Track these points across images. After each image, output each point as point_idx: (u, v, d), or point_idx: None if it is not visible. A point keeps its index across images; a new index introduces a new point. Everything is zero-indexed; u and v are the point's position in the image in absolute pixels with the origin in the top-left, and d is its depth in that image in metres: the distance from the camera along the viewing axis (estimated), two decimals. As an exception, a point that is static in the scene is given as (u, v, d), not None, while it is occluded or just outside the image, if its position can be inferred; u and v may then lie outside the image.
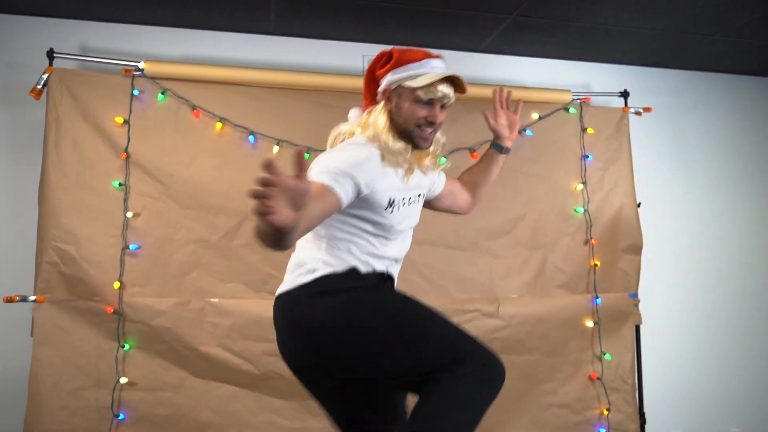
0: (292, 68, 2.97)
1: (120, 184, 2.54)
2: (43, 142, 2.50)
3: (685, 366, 3.38)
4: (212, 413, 2.56)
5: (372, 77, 1.65)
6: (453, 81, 1.58)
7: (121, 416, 2.45)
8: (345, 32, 3.04)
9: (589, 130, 3.10)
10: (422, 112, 1.56)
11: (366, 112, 1.67)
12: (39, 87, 2.50)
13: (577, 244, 3.04)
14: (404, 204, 1.62)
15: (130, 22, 2.87)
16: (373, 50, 3.10)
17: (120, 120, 2.57)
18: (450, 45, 3.20)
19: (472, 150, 2.94)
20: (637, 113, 3.21)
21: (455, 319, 2.71)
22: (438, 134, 1.67)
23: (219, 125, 2.66)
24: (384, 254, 1.61)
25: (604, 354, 2.97)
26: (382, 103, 1.61)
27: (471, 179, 1.96)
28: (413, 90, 1.55)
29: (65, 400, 2.41)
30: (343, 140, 1.69)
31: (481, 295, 2.88)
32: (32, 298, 2.43)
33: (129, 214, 2.54)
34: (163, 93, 2.63)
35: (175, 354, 2.54)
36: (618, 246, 3.07)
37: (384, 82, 1.59)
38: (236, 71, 2.74)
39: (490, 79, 3.24)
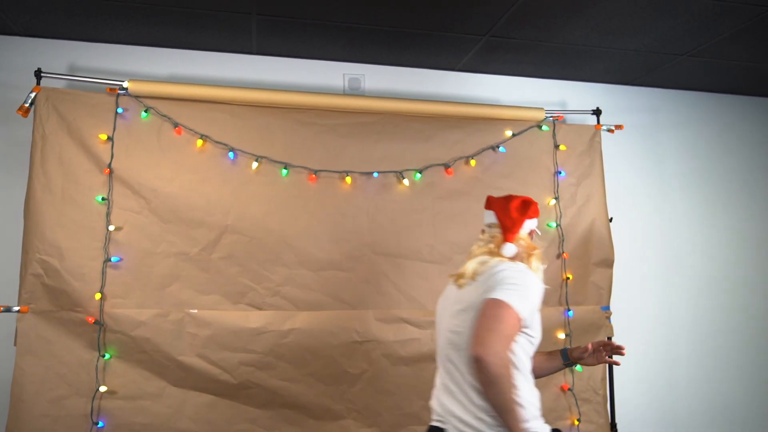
0: (273, 87, 3.07)
1: (103, 199, 2.63)
2: (30, 158, 2.59)
3: (655, 378, 3.45)
4: (190, 422, 2.63)
5: (518, 217, 1.98)
6: None
7: (101, 424, 2.52)
8: (325, 52, 3.14)
9: (562, 147, 3.19)
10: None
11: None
12: (26, 105, 2.59)
13: (550, 258, 3.11)
14: None
15: (115, 42, 2.97)
16: (354, 69, 3.23)
17: (104, 137, 2.66)
18: (428, 64, 3.31)
19: (446, 166, 3.03)
20: (610, 130, 3.30)
21: (429, 331, 2.82)
22: None
23: (200, 142, 2.75)
24: None
25: (576, 365, 3.03)
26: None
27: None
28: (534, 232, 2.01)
29: (47, 408, 2.48)
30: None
31: (455, 307, 2.95)
32: (16, 308, 2.50)
33: (111, 228, 2.62)
34: (146, 111, 2.72)
35: (155, 364, 2.61)
36: (590, 260, 3.14)
37: (531, 225, 2.00)
38: (218, 90, 2.82)
39: (467, 96, 3.34)
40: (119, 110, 2.70)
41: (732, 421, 3.53)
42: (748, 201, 3.73)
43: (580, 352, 2.05)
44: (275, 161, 2.83)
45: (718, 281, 3.62)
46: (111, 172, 2.65)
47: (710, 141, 3.72)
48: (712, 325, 3.58)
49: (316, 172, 2.87)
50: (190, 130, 2.76)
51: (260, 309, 2.74)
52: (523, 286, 1.72)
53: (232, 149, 2.79)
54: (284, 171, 2.83)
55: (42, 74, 2.66)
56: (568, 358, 2.10)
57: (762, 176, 3.78)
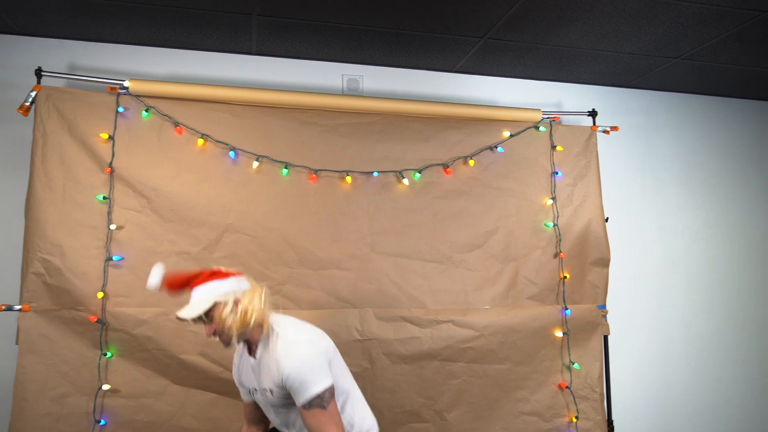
0: (273, 87, 3.09)
1: (104, 198, 2.63)
2: (31, 157, 2.59)
3: (651, 375, 3.50)
4: (192, 419, 2.64)
5: None
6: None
7: (103, 422, 2.53)
8: (324, 52, 3.16)
9: (559, 148, 3.23)
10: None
11: None
12: (27, 104, 2.59)
13: (548, 258, 3.15)
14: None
15: (116, 41, 2.98)
16: (352, 70, 3.26)
17: (105, 136, 2.66)
18: (426, 65, 3.34)
19: (445, 166, 3.06)
20: (605, 132, 3.35)
21: (429, 330, 2.85)
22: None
23: (201, 141, 2.77)
24: None
25: (573, 363, 3.08)
26: None
27: None
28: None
29: (49, 406, 2.49)
30: None
31: (454, 306, 2.98)
32: (18, 307, 2.50)
33: (113, 227, 2.63)
34: (147, 110, 2.73)
35: (157, 362, 2.62)
36: (587, 259, 3.19)
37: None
38: (218, 90, 2.84)
39: (465, 98, 3.38)
40: (120, 109, 2.70)
41: (727, 418, 3.59)
42: (741, 201, 3.80)
43: None
44: (276, 161, 2.84)
45: (713, 279, 3.68)
46: (112, 171, 2.66)
47: (703, 142, 3.79)
48: (707, 322, 3.64)
49: (316, 171, 2.89)
50: (191, 129, 2.78)
51: (261, 307, 2.75)
52: None
53: (232, 149, 2.80)
54: (285, 170, 2.85)
55: (42, 73, 2.67)
56: None
57: (754, 176, 3.85)
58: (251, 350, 1.92)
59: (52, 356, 2.52)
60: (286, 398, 1.83)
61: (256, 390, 1.94)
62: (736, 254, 3.74)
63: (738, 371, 3.65)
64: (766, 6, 2.66)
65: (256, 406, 2.06)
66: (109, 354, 2.57)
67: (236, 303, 1.81)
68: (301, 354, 1.77)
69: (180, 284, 1.87)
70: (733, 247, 3.74)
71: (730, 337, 3.66)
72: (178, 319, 1.79)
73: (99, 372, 2.55)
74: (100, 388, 2.54)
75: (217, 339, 1.83)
